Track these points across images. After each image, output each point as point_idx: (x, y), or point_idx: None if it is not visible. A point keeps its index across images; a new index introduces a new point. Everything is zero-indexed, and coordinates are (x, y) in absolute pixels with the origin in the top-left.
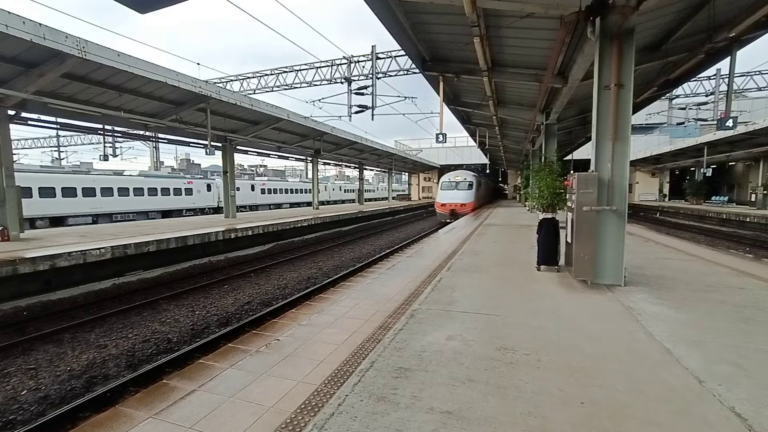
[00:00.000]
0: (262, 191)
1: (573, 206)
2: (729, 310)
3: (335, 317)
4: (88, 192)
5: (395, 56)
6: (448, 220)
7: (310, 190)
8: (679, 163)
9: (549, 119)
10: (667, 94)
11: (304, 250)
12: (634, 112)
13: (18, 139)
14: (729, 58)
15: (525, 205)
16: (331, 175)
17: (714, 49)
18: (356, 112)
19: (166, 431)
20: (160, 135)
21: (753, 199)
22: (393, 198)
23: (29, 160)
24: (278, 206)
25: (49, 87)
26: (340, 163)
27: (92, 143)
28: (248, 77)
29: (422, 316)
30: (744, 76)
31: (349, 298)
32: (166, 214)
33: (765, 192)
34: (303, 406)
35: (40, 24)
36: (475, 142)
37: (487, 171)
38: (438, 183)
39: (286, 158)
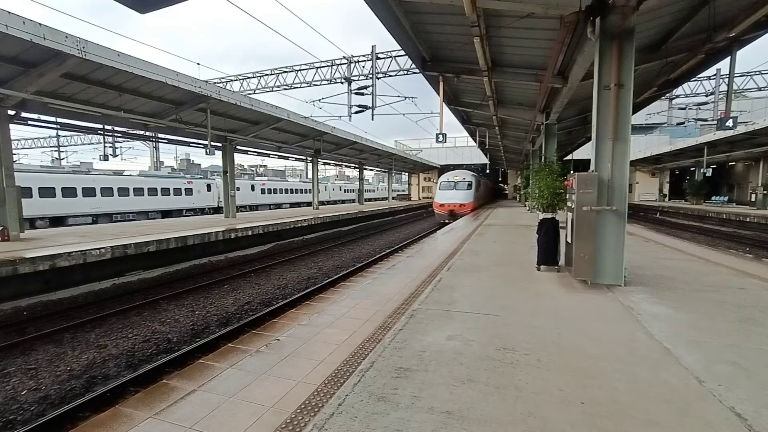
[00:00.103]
0: (262, 191)
1: (573, 206)
2: (729, 310)
3: (335, 317)
4: (88, 192)
5: (395, 56)
6: (447, 221)
7: (310, 190)
8: (679, 163)
9: (549, 119)
10: (667, 94)
11: (304, 250)
12: (634, 112)
13: (18, 139)
14: (729, 58)
15: (525, 205)
16: (331, 175)
17: (714, 49)
18: (356, 112)
19: (166, 431)
20: (160, 135)
21: (753, 199)
22: (393, 198)
23: (29, 160)
24: (278, 206)
25: (49, 87)
26: (340, 163)
27: (92, 143)
28: (248, 77)
29: (422, 316)
30: (744, 76)
31: (349, 298)
32: (166, 214)
33: (765, 192)
34: (303, 406)
35: (40, 24)
36: (475, 142)
37: (487, 171)
38: (437, 183)
39: (286, 158)
